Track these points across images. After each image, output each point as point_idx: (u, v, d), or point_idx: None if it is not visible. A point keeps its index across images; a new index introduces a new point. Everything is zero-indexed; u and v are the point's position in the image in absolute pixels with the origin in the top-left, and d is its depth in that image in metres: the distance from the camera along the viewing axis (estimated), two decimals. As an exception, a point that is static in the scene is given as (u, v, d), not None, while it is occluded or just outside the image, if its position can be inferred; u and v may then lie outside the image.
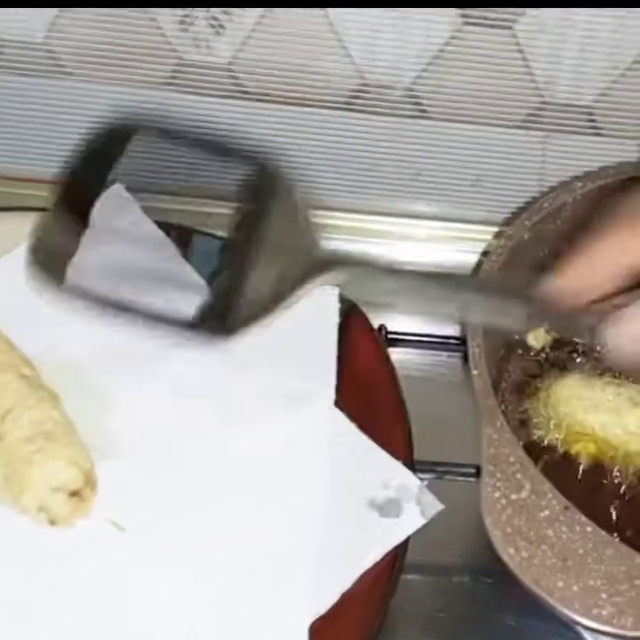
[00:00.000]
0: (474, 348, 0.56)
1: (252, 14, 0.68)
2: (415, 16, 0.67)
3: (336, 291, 0.64)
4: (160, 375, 0.60)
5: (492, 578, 0.58)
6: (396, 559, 0.55)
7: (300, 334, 0.62)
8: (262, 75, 0.72)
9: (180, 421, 0.58)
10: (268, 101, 0.73)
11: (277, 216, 0.49)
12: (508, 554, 0.49)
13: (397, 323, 0.68)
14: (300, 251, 0.48)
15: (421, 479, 0.58)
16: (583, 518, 0.51)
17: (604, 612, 0.48)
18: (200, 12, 0.68)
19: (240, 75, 0.72)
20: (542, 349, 0.64)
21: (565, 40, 0.68)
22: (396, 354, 0.67)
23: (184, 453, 0.57)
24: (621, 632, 0.48)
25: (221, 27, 0.69)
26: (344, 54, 0.70)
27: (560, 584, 0.49)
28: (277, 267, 0.48)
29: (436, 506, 0.56)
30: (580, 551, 0.50)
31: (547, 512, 0.51)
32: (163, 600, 0.52)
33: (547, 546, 0.50)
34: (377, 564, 0.55)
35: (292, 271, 0.47)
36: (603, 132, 0.74)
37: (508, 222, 0.76)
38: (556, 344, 0.63)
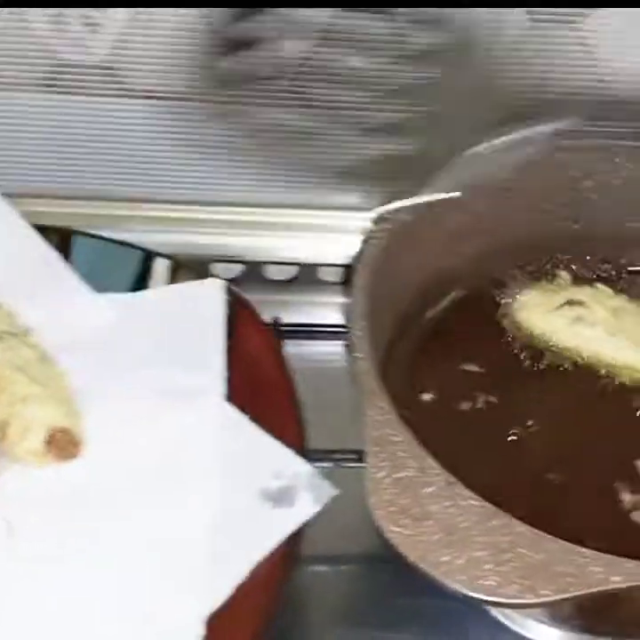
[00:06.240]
0: (356, 332, 0.56)
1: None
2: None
3: (221, 282, 0.64)
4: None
5: (388, 562, 0.58)
6: (291, 548, 0.55)
7: (186, 329, 0.62)
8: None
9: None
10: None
11: None
12: (392, 532, 0.49)
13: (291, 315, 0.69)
14: None
15: (316, 468, 0.58)
16: (467, 492, 0.51)
17: (489, 583, 0.49)
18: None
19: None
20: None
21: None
22: (291, 346, 0.67)
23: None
24: (506, 601, 0.48)
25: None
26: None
27: (445, 558, 0.49)
28: None
29: (329, 492, 0.57)
30: (465, 524, 0.50)
31: (431, 488, 0.51)
32: (53, 599, 0.52)
33: (431, 521, 0.50)
34: (272, 554, 0.55)
35: None
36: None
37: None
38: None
